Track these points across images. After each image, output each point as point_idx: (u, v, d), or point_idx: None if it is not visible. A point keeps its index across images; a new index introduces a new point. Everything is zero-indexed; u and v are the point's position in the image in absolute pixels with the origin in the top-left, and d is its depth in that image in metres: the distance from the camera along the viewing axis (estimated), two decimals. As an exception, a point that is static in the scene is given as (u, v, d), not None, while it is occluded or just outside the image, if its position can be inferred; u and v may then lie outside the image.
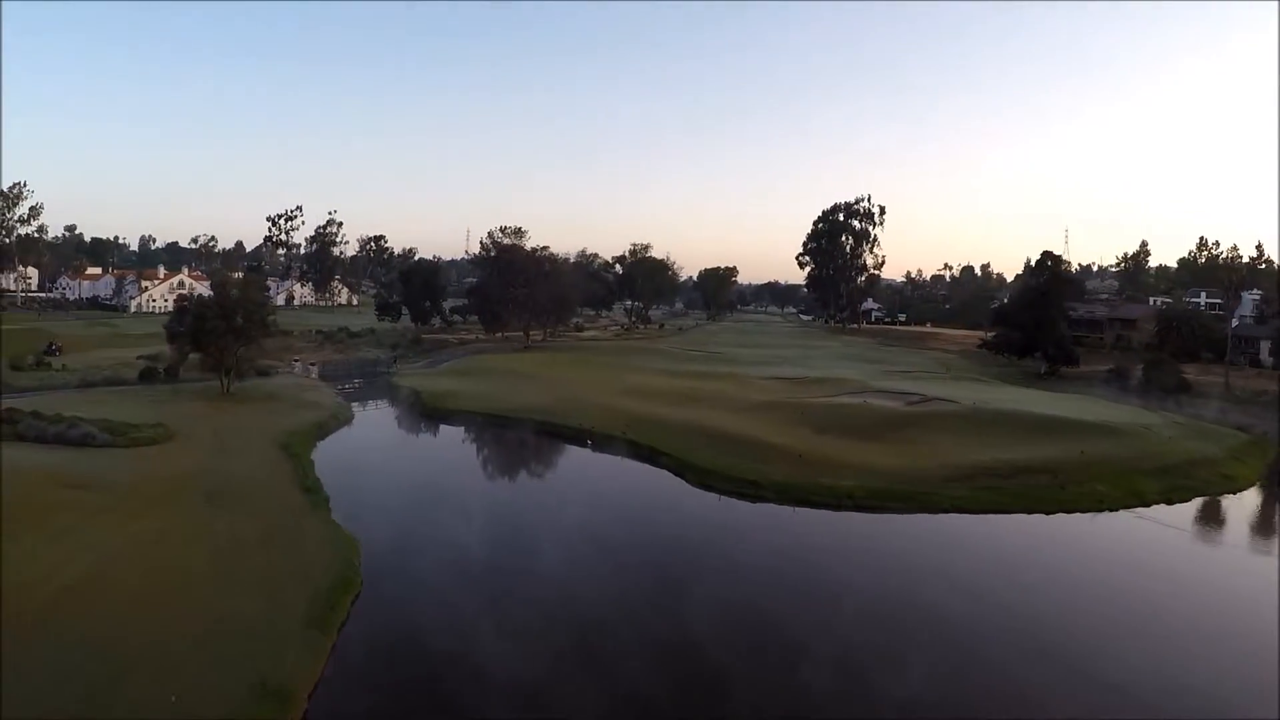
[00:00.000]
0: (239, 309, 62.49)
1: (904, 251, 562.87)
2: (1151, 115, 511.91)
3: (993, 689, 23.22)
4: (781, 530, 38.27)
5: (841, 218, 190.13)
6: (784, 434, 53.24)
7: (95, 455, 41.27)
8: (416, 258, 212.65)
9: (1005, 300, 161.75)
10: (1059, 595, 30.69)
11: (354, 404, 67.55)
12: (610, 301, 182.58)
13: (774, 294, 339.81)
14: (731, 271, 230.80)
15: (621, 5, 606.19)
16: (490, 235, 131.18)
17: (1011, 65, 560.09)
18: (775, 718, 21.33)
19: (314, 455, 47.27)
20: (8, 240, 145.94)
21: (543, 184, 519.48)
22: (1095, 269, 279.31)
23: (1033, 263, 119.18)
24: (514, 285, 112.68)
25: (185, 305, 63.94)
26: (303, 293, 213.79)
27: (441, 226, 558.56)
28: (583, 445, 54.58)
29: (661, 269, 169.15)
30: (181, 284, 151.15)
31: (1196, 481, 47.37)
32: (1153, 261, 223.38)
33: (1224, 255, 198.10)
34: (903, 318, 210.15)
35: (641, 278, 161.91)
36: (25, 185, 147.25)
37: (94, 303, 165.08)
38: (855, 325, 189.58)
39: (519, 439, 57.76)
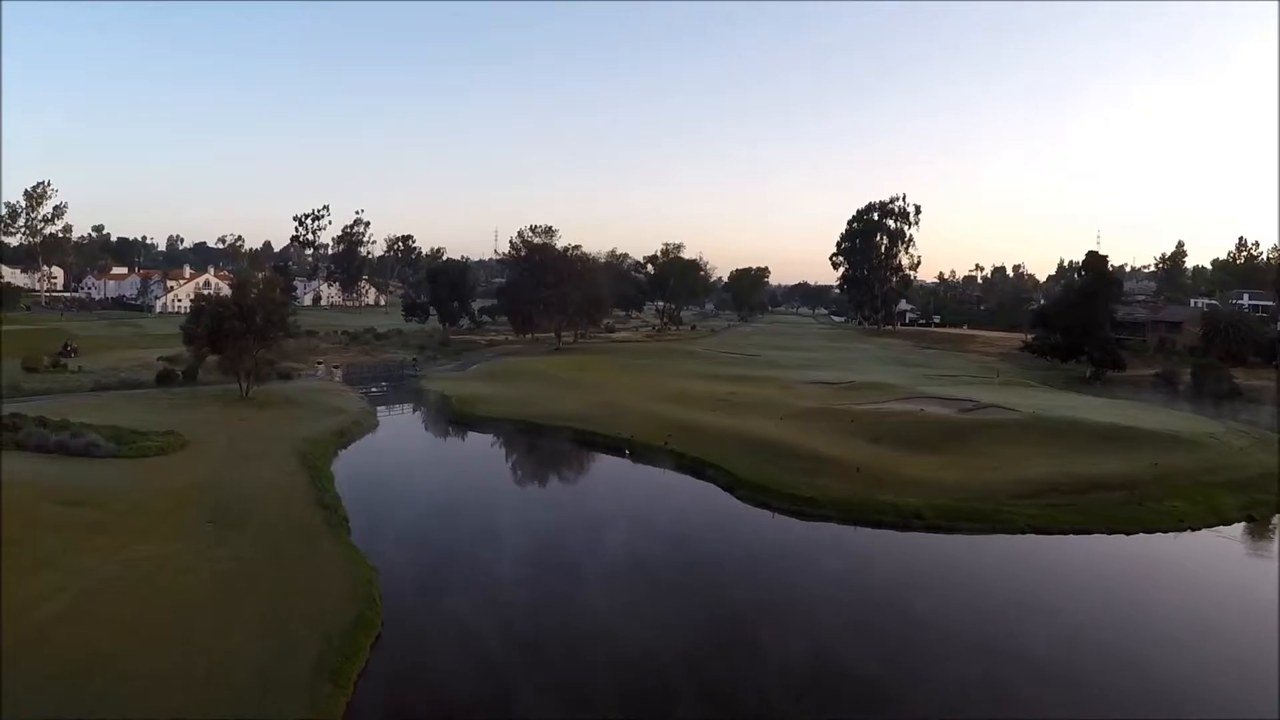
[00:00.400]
0: (258, 309, 59.43)
1: (933, 252, 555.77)
2: (1181, 114, 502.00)
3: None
4: (849, 555, 34.35)
5: (876, 217, 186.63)
6: (837, 444, 49.67)
7: (97, 467, 38.10)
8: (444, 258, 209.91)
9: (1043, 302, 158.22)
10: (1189, 645, 26.30)
11: (379, 409, 64.31)
12: (641, 302, 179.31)
13: (804, 295, 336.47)
14: (763, 272, 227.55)
15: (656, 4, 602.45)
16: (520, 234, 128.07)
17: (1038, 63, 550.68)
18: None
19: (334, 466, 43.97)
20: (32, 240, 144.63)
21: (569, 184, 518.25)
22: (1129, 270, 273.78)
23: (1066, 263, 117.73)
24: (545, 285, 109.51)
25: (202, 306, 60.88)
26: (330, 293, 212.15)
27: (469, 227, 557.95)
28: (621, 456, 50.95)
29: (694, 269, 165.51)
30: (207, 284, 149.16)
31: (1275, 496, 42.99)
32: (1188, 262, 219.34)
33: (1266, 255, 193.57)
34: (937, 319, 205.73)
35: (674, 278, 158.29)
36: (49, 185, 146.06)
37: (119, 303, 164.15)
38: (890, 327, 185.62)
39: (554, 449, 54.05)
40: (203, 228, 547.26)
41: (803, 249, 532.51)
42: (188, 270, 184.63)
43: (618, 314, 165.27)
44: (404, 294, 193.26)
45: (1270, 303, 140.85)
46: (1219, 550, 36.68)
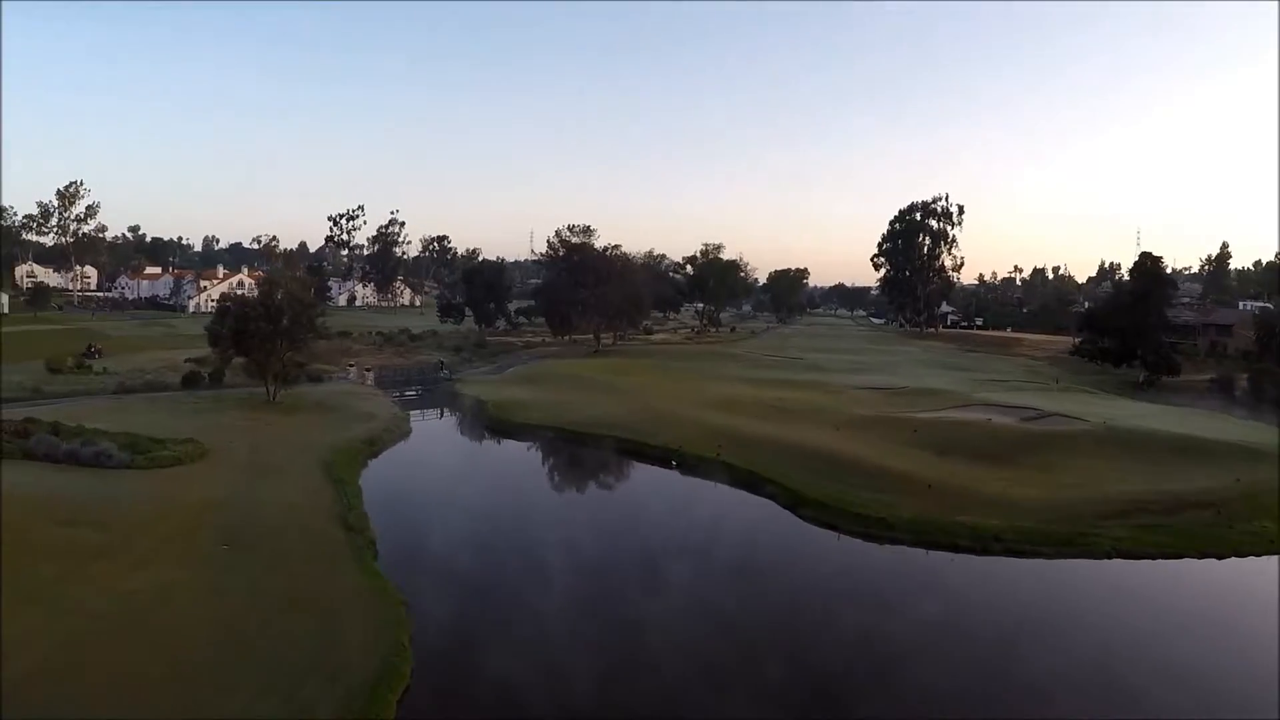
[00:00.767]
0: (285, 309, 56.58)
1: (972, 254, 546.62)
2: (1216, 115, 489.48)
3: None
4: (932, 587, 30.46)
5: (918, 217, 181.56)
6: (901, 457, 45.95)
7: (107, 479, 35.09)
8: (480, 259, 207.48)
9: (1088, 305, 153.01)
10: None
11: (412, 414, 61.22)
12: (678, 304, 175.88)
13: (842, 296, 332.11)
14: (803, 273, 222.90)
15: (689, 5, 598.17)
16: (558, 234, 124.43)
17: (1078, 61, 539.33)
18: None
19: (362, 478, 40.74)
20: (65, 239, 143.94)
21: (602, 185, 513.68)
22: (1170, 271, 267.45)
23: (1106, 264, 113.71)
24: (584, 286, 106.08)
25: (227, 306, 58.11)
26: (365, 293, 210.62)
27: (505, 228, 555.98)
28: (669, 468, 47.39)
29: (734, 270, 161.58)
30: (240, 283, 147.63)
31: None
32: (1231, 264, 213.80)
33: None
34: (979, 322, 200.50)
35: (713, 279, 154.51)
36: (82, 184, 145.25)
37: (152, 302, 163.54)
38: (932, 329, 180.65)
39: (597, 460, 50.45)
40: (239, 228, 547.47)
41: (840, 250, 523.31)
42: (221, 270, 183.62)
43: (655, 315, 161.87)
44: (439, 295, 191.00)
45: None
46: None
